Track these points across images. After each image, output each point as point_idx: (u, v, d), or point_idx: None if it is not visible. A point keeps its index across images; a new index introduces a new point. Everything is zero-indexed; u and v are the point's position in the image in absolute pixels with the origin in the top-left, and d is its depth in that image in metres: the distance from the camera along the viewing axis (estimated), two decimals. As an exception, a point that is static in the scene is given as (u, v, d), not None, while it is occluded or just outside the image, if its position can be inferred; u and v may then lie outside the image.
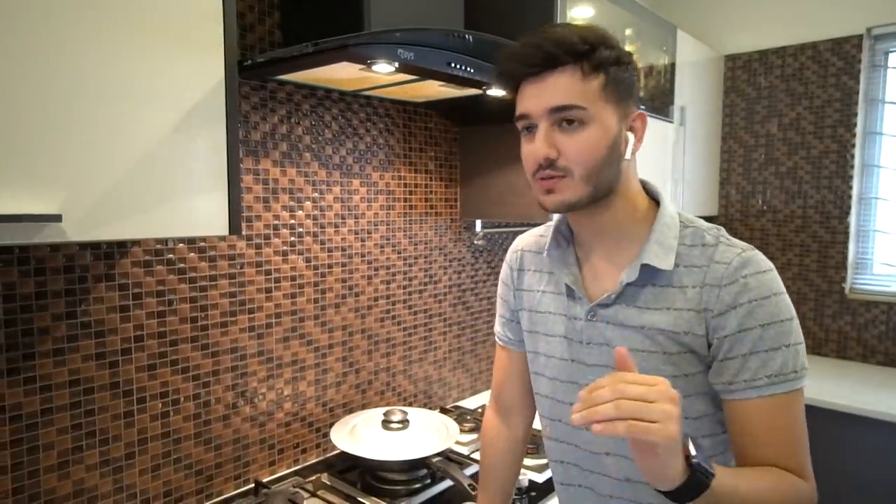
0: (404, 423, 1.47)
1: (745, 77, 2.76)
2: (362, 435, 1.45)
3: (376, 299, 1.72)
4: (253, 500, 1.34)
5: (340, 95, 1.57)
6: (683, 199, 2.49)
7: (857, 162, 2.51)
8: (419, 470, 1.42)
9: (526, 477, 1.44)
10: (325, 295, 1.58)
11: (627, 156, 0.81)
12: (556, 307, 0.92)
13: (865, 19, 2.44)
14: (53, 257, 1.10)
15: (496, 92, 1.40)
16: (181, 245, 1.28)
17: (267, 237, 1.44)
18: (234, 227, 1.00)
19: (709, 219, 1.05)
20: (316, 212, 1.54)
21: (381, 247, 1.72)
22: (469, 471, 1.46)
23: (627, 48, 1.30)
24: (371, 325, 1.71)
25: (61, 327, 1.12)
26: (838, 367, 2.45)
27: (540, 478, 1.46)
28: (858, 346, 2.52)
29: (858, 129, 2.49)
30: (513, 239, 2.26)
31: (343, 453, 1.39)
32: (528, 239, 1.03)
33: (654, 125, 2.11)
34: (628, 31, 2.01)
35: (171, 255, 1.27)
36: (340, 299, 1.62)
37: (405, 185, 1.78)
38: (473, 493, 1.29)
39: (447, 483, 1.41)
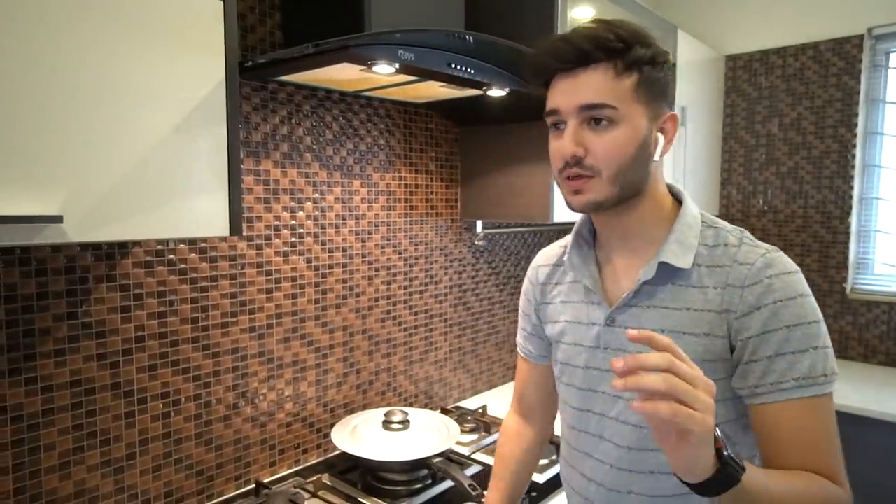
0: (405, 423, 1.47)
1: (745, 77, 2.75)
2: (363, 435, 1.45)
3: (377, 300, 1.72)
4: (254, 501, 1.34)
5: (341, 96, 1.57)
6: (684, 199, 2.48)
7: (857, 162, 2.50)
8: (420, 470, 1.42)
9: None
10: (326, 295, 1.58)
11: (656, 157, 0.79)
12: (575, 316, 0.91)
13: (866, 19, 2.44)
14: (54, 258, 1.10)
15: (496, 92, 1.40)
16: (182, 246, 1.29)
17: (268, 238, 1.44)
18: (234, 227, 1.00)
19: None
20: (317, 212, 1.54)
21: (382, 247, 1.72)
22: (470, 471, 1.46)
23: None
24: (372, 325, 1.71)
25: (62, 328, 1.12)
26: (839, 368, 2.39)
27: (541, 478, 1.46)
28: (860, 346, 2.51)
29: (859, 130, 2.49)
30: (513, 239, 2.28)
31: (344, 454, 1.39)
32: (549, 252, 1.02)
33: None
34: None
35: (172, 256, 1.27)
36: (341, 300, 1.62)
37: (406, 186, 1.78)
38: (474, 493, 1.29)
39: (448, 483, 1.41)
